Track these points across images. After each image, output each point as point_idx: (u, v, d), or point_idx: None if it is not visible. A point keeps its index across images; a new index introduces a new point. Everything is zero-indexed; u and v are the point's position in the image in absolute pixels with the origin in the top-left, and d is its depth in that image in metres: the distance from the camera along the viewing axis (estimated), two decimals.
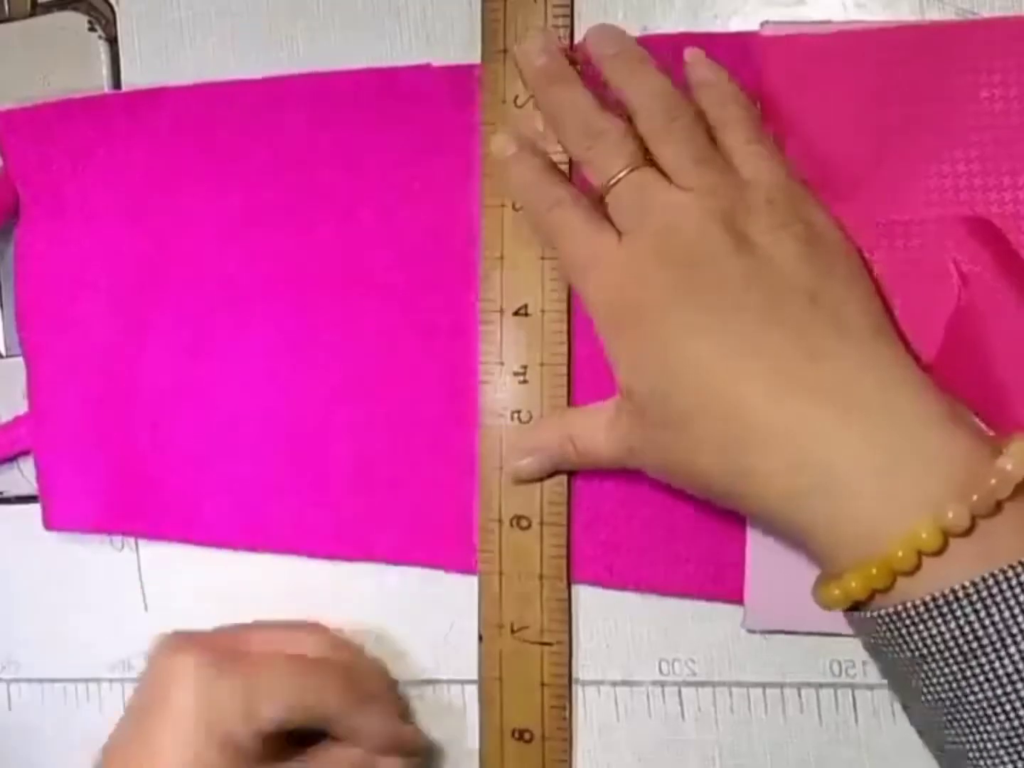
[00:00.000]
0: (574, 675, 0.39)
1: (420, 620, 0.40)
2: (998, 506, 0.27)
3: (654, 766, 0.38)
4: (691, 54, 0.35)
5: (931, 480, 0.28)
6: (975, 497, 0.27)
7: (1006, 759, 0.27)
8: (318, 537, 0.41)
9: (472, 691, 0.40)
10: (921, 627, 0.28)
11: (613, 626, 0.39)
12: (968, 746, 0.28)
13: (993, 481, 0.27)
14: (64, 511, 0.43)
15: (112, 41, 0.44)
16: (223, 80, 0.42)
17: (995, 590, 0.27)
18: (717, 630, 0.38)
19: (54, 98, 0.44)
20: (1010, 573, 0.27)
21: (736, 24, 0.38)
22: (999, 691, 0.27)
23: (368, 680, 0.38)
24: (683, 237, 0.32)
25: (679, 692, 0.38)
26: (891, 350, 0.31)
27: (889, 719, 0.36)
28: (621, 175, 0.33)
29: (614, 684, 0.39)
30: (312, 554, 0.41)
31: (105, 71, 0.44)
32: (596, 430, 0.35)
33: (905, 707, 0.31)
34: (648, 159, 0.34)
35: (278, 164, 0.41)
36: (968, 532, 0.27)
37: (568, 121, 0.35)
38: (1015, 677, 0.27)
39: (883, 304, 0.33)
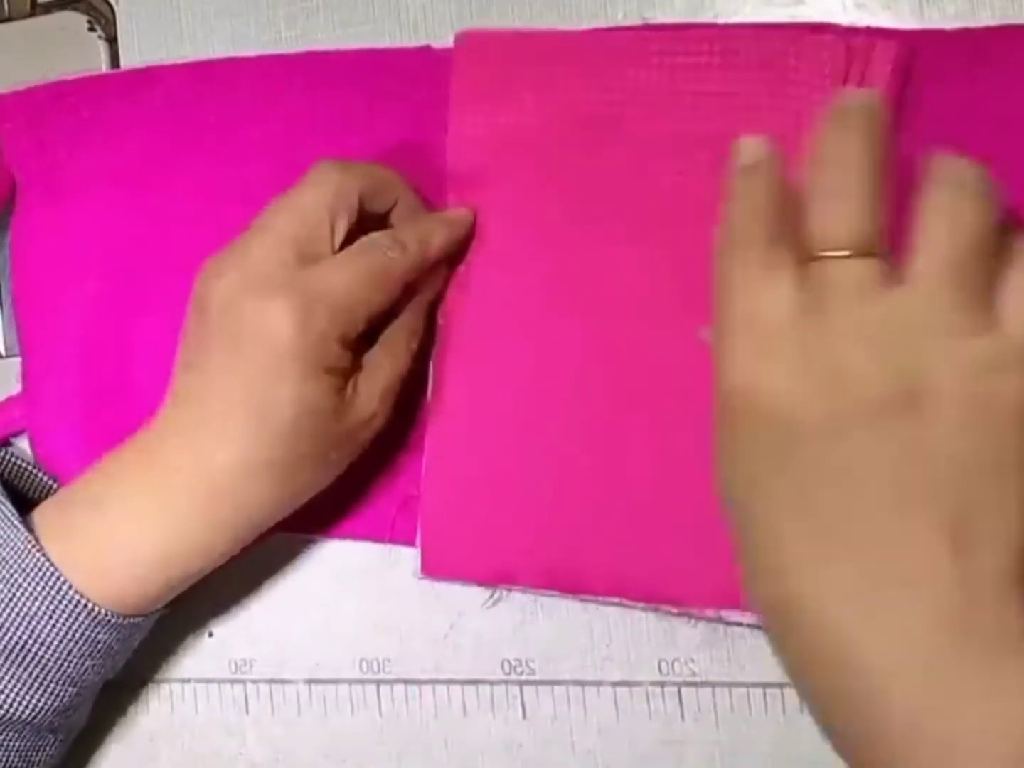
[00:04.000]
0: (573, 675, 0.39)
1: (420, 620, 0.40)
2: None
3: (654, 766, 0.38)
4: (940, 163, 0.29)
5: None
6: None
7: None
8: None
9: (472, 691, 0.40)
10: None
11: (613, 626, 0.39)
12: None
13: None
14: None
15: (112, 41, 0.44)
16: (217, 58, 0.42)
17: None
18: (717, 630, 0.38)
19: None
20: None
21: None
22: None
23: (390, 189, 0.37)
24: (846, 359, 0.27)
25: (679, 692, 0.38)
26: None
27: None
28: (840, 254, 0.28)
29: (614, 684, 0.39)
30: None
31: (105, 71, 0.44)
32: None
33: None
34: (884, 253, 0.28)
35: (273, 142, 0.41)
36: None
37: (831, 177, 0.30)
38: None
39: None
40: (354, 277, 0.34)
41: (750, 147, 0.31)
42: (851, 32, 0.36)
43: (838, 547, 0.27)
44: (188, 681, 0.42)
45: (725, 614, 0.36)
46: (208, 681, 0.42)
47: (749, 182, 0.30)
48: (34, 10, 0.45)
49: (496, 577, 0.38)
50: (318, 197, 0.35)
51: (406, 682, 0.40)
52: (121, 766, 0.43)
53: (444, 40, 0.40)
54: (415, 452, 0.39)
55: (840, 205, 0.29)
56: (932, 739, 0.25)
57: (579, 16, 0.39)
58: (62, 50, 0.45)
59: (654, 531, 0.37)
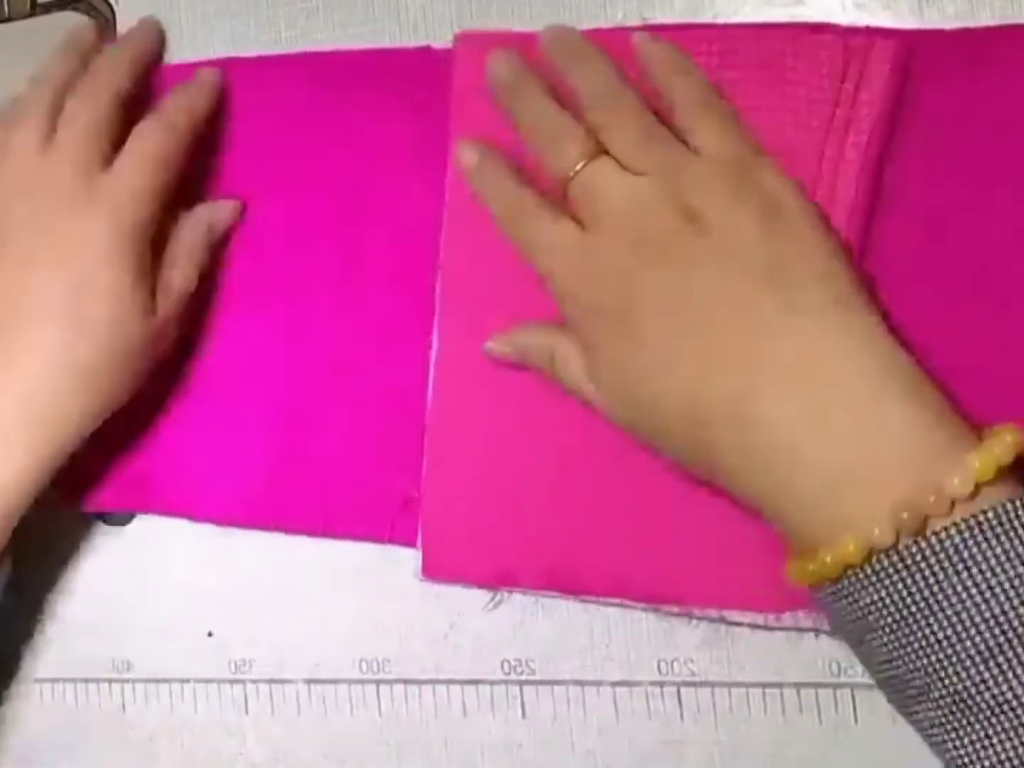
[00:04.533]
0: (573, 675, 0.39)
1: (420, 620, 0.40)
2: (926, 521, 0.28)
3: (654, 766, 0.38)
4: (638, 36, 0.37)
5: (876, 484, 0.29)
6: (905, 515, 0.28)
7: (949, 729, 0.28)
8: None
9: (472, 691, 0.40)
10: (859, 597, 0.29)
11: (613, 626, 0.39)
12: (919, 715, 0.29)
13: (932, 499, 0.28)
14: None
15: (111, 41, 0.44)
16: (221, 57, 0.42)
17: (919, 556, 0.28)
18: (718, 630, 0.38)
19: None
20: (934, 540, 0.28)
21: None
22: (936, 656, 0.28)
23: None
24: (641, 226, 0.33)
25: (678, 692, 0.38)
26: (856, 319, 0.31)
27: (889, 719, 0.36)
28: (578, 168, 0.34)
29: (614, 684, 0.39)
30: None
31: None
32: (573, 359, 0.35)
33: (882, 689, 0.32)
34: (604, 149, 0.35)
35: (275, 142, 0.41)
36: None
37: (529, 125, 0.37)
38: (949, 642, 0.27)
39: (853, 271, 0.32)
40: (141, 168, 0.38)
41: (467, 146, 0.38)
42: (850, 32, 0.36)
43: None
44: (188, 681, 0.42)
45: (727, 614, 0.36)
46: (208, 681, 0.42)
47: (486, 168, 0.37)
48: (34, 10, 0.45)
49: (497, 579, 0.38)
50: (90, 111, 0.38)
51: (406, 682, 0.40)
52: (121, 766, 0.43)
53: (444, 40, 0.40)
54: (414, 453, 0.39)
55: (552, 137, 0.36)
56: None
57: (579, 16, 0.39)
58: None
59: (654, 530, 0.37)
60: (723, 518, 0.35)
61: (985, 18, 0.36)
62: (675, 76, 0.36)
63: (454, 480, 0.39)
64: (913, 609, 0.28)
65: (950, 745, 0.28)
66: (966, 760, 0.28)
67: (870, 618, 0.29)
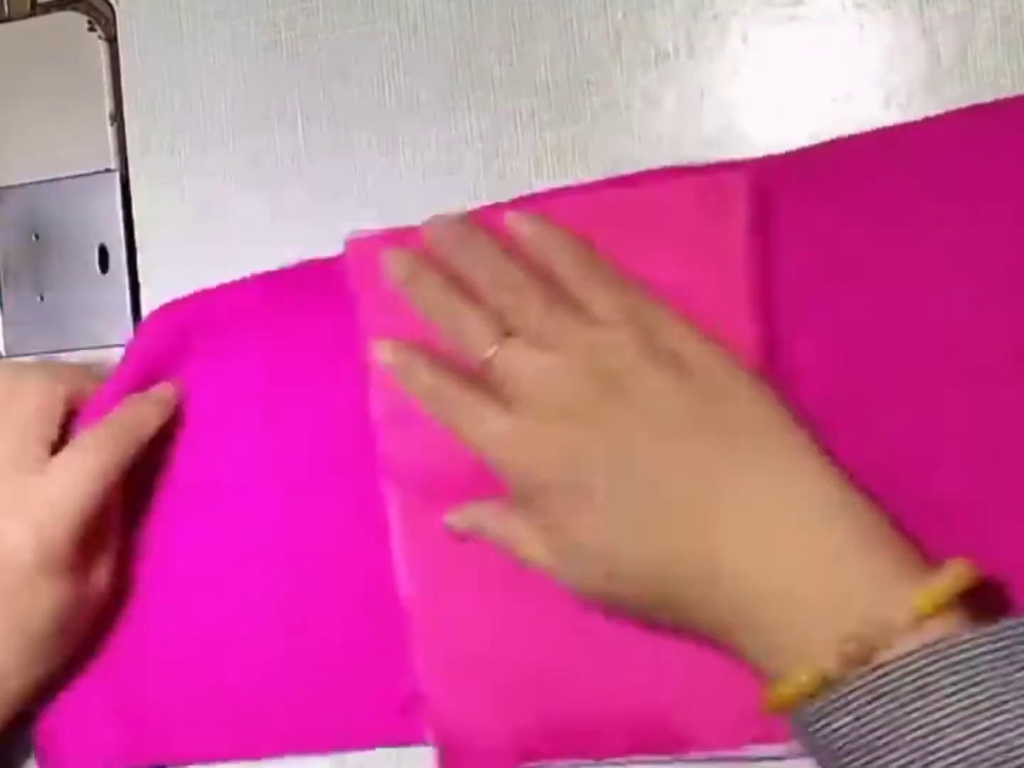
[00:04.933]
0: None
1: None
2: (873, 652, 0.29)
3: (654, 765, 0.38)
4: (510, 217, 0.38)
5: (828, 617, 0.30)
6: (851, 647, 0.29)
7: None
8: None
9: None
10: (819, 726, 0.29)
11: None
12: None
13: (876, 632, 0.29)
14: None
15: (112, 41, 0.44)
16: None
17: (863, 687, 0.28)
18: None
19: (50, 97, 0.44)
20: (879, 672, 0.28)
21: (736, 24, 0.38)
22: None
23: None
24: (563, 403, 0.34)
25: None
26: (798, 457, 0.32)
27: None
28: (490, 354, 0.36)
29: None
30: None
31: (105, 71, 0.44)
32: (533, 541, 0.36)
33: None
34: (510, 331, 0.36)
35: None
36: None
37: (435, 318, 0.38)
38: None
39: (779, 405, 0.33)
40: (78, 478, 0.37)
41: (380, 346, 0.38)
42: (697, 172, 0.37)
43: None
44: None
45: (751, 749, 0.35)
46: None
47: (401, 365, 0.38)
48: (34, 10, 0.45)
49: (518, 758, 0.37)
50: (28, 409, 0.38)
51: None
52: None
53: (444, 40, 0.40)
54: (399, 646, 0.38)
55: (459, 327, 0.37)
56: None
57: (579, 16, 0.39)
58: (62, 50, 0.45)
59: (663, 677, 0.36)
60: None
61: (985, 18, 0.36)
62: (552, 253, 0.37)
63: (454, 668, 0.38)
64: (871, 738, 0.28)
65: None
66: None
67: (835, 747, 0.29)
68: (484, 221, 0.38)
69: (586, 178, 0.39)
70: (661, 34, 0.39)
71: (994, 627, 0.28)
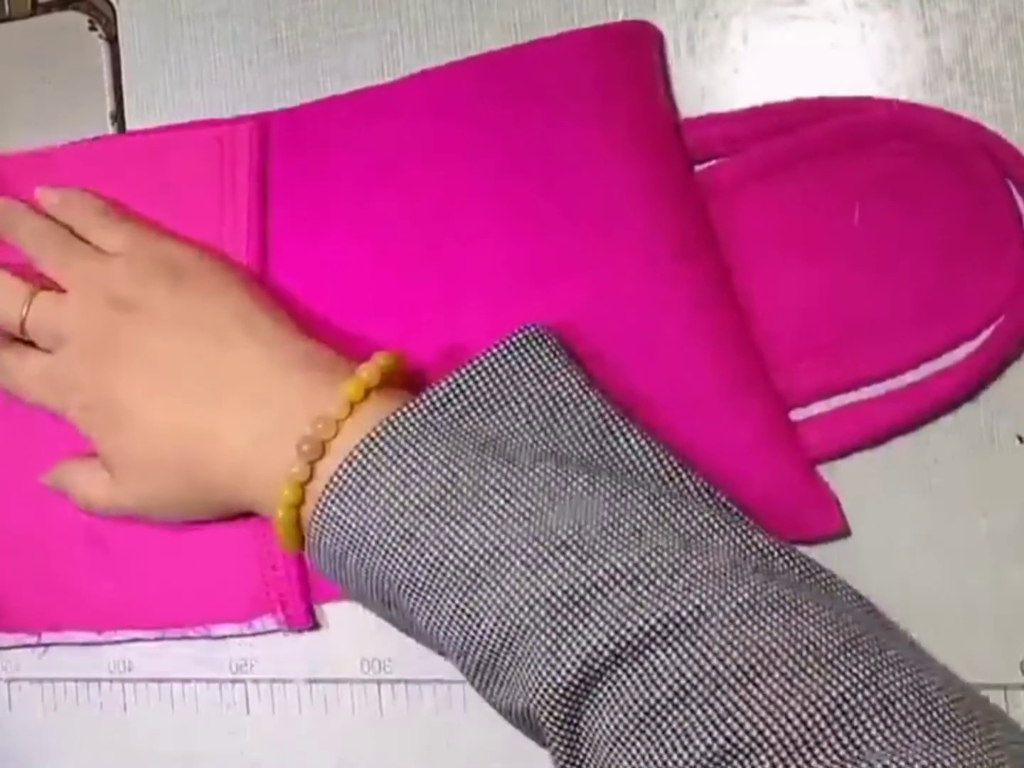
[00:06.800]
0: None
1: None
2: (329, 443, 0.34)
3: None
4: (39, 192, 0.42)
5: (285, 433, 0.34)
6: (305, 448, 0.34)
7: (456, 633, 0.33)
8: None
9: (472, 691, 0.39)
10: (318, 540, 0.34)
11: None
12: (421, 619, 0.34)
13: (320, 426, 0.34)
14: None
15: (112, 41, 0.44)
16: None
17: (328, 479, 0.33)
18: None
19: (51, 97, 0.44)
20: (330, 461, 0.33)
21: (737, 24, 0.38)
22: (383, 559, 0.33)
23: None
24: (88, 335, 0.38)
25: None
26: (273, 331, 0.37)
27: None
28: (25, 311, 0.39)
29: None
30: None
31: (105, 71, 0.44)
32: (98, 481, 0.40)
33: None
34: (43, 286, 0.40)
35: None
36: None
37: None
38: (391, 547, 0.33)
39: (266, 296, 0.39)
40: None
41: None
42: (215, 124, 0.42)
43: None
44: (189, 681, 0.42)
45: (213, 630, 0.41)
46: (209, 681, 0.42)
47: None
48: (34, 10, 0.45)
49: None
50: None
51: (407, 682, 0.40)
52: (122, 766, 0.43)
53: (444, 40, 0.40)
54: None
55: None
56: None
57: (579, 16, 0.39)
58: (62, 50, 0.45)
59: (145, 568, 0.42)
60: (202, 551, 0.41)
61: (986, 17, 0.36)
62: (70, 209, 0.41)
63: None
64: (355, 525, 0.33)
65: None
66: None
67: (336, 553, 0.34)
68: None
69: None
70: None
71: (416, 399, 0.33)
